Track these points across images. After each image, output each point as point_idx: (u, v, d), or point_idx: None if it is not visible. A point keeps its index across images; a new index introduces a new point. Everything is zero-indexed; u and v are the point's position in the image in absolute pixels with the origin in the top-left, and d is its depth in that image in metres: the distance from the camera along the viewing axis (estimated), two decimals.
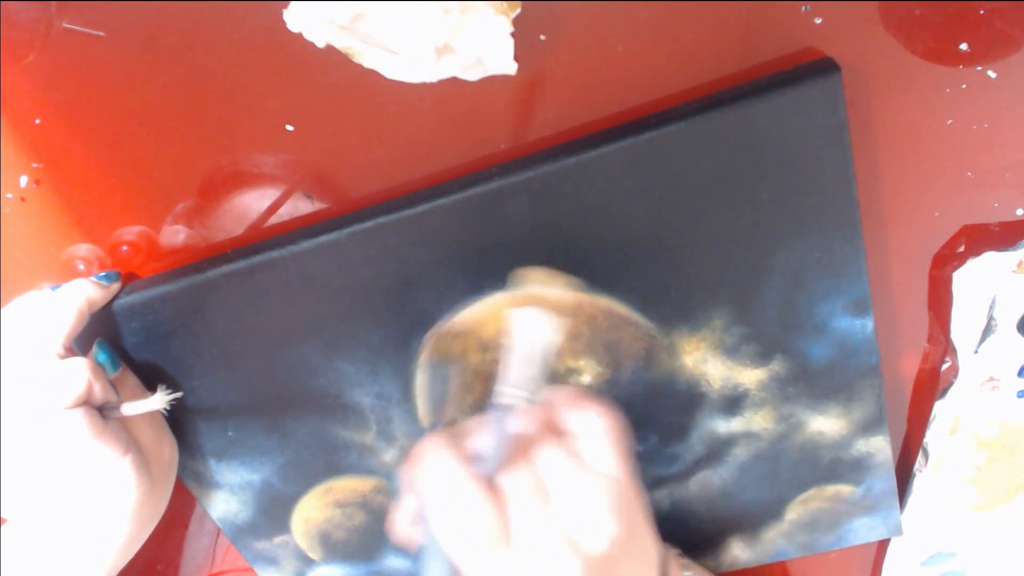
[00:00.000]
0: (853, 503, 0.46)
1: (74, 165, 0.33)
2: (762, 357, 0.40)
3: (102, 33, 0.30)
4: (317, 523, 0.44)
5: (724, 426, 0.42)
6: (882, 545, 0.51)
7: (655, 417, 0.41)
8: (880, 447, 0.44)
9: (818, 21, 0.31)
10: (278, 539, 0.44)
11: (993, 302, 0.39)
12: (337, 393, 0.39)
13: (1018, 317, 0.39)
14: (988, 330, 0.40)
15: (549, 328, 0.31)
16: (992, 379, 0.42)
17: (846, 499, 0.46)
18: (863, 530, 0.47)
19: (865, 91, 0.33)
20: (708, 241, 0.36)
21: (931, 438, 0.44)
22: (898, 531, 0.47)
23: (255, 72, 0.31)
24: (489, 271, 0.36)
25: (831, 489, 0.46)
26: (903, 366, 0.42)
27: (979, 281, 0.39)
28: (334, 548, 0.45)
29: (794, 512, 0.46)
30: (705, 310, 0.38)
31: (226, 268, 0.35)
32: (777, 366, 0.40)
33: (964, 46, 0.32)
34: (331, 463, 0.41)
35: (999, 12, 0.31)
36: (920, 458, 0.45)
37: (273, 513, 0.43)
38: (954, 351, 0.41)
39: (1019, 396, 0.42)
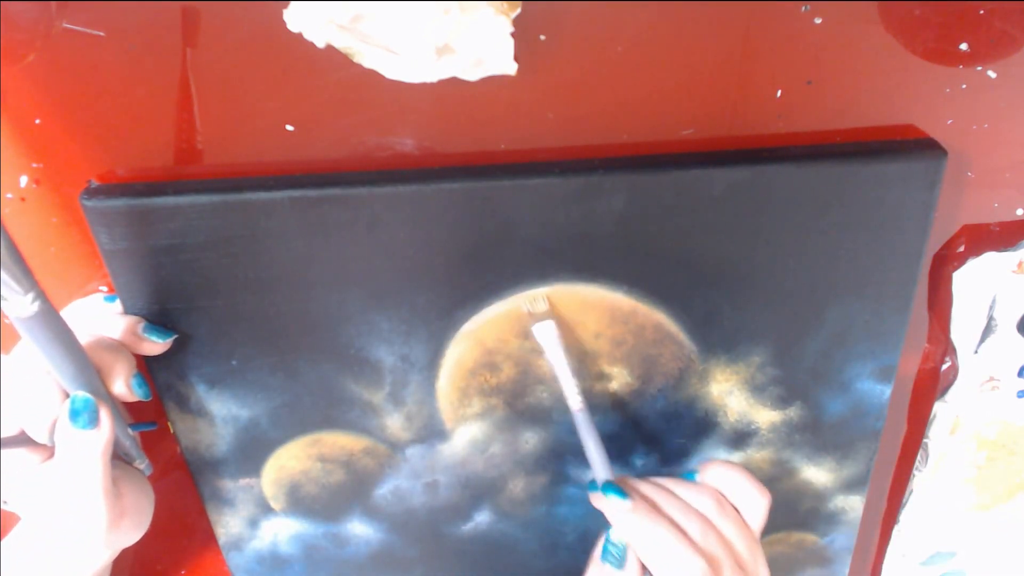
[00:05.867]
0: (812, 552, 0.47)
1: (74, 165, 0.33)
2: (783, 401, 0.40)
3: (102, 33, 0.30)
4: (292, 473, 0.41)
5: (724, 458, 0.43)
6: (882, 545, 0.51)
7: (665, 436, 0.42)
8: (855, 506, 0.45)
9: (818, 21, 0.31)
10: (243, 481, 0.42)
11: (993, 302, 0.39)
12: (362, 346, 0.37)
13: (1018, 317, 0.39)
14: (988, 330, 0.40)
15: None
16: (992, 379, 0.42)
17: (808, 548, 0.47)
18: None
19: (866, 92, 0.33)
20: (773, 281, 0.36)
21: (931, 438, 0.44)
22: None
23: (255, 72, 0.31)
24: (560, 260, 0.35)
25: (797, 536, 0.47)
26: (903, 366, 0.42)
27: (979, 281, 0.39)
28: (300, 501, 0.43)
29: None
30: (748, 346, 0.38)
31: (294, 192, 0.32)
32: (793, 412, 0.41)
33: (964, 46, 0.32)
34: (330, 416, 0.39)
35: (999, 12, 0.31)
36: (920, 458, 0.45)
37: (248, 454, 0.40)
38: (954, 351, 0.41)
39: (1019, 396, 0.42)
